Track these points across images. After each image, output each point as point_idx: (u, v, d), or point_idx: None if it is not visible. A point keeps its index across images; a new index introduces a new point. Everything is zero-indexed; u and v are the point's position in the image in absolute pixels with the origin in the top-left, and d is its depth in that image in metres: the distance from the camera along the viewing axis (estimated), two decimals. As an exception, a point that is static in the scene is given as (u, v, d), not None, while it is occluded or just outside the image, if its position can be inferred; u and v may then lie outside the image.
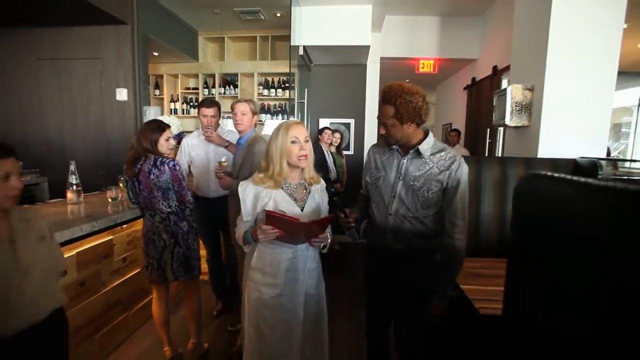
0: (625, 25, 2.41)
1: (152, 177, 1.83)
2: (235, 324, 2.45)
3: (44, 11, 3.00)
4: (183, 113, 4.87)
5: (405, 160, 1.51)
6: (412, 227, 1.52)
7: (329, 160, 3.91)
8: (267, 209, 1.36)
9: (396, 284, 1.58)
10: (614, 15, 2.38)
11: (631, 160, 3.99)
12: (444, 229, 1.49)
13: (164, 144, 1.91)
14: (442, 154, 1.49)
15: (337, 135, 4.18)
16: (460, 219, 1.47)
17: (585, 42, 2.40)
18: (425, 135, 1.51)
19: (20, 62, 3.35)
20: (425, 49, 4.64)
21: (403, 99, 1.39)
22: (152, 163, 1.85)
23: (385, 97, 1.44)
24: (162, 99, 4.92)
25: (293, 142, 1.40)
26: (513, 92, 2.64)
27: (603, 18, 2.38)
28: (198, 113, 2.48)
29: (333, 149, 4.14)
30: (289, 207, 1.41)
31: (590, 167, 2.26)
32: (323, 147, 3.91)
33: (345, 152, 4.57)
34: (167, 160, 1.88)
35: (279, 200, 1.41)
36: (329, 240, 1.48)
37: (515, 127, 2.73)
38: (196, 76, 4.80)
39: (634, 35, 4.30)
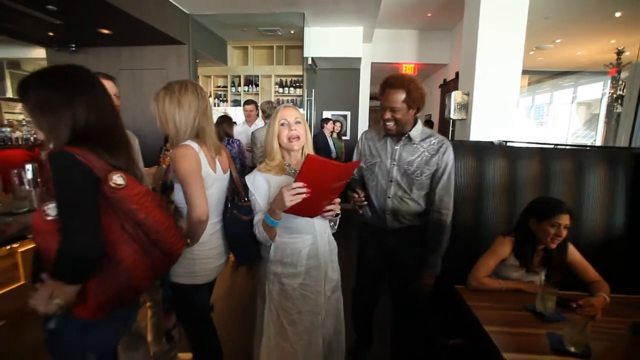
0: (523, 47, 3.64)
1: (228, 149, 3.14)
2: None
3: (126, 35, 4.23)
4: (214, 106, 6.11)
5: (398, 147, 1.60)
6: (408, 207, 1.60)
7: (331, 144, 5.18)
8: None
9: (393, 257, 1.67)
10: (517, 40, 3.60)
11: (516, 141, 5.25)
12: (433, 206, 1.59)
13: (233, 130, 3.21)
14: (431, 139, 1.59)
15: (338, 124, 5.45)
16: (448, 197, 1.57)
17: (500, 61, 3.64)
18: (415, 122, 1.60)
19: (107, 71, 4.57)
20: (406, 56, 5.87)
21: (415, 84, 1.48)
22: (226, 142, 3.14)
23: (397, 83, 1.49)
24: (198, 95, 6.17)
25: (282, 124, 1.33)
26: (456, 96, 3.91)
27: (510, 42, 3.61)
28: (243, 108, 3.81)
29: (335, 135, 5.42)
30: None
31: (498, 144, 3.54)
32: (326, 134, 5.18)
33: (344, 137, 5.86)
34: (236, 140, 3.17)
35: None
36: (339, 208, 1.37)
37: (459, 120, 4.00)
38: (225, 77, 6.03)
39: (585, 43, 5.54)
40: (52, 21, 3.46)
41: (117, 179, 0.94)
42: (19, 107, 4.60)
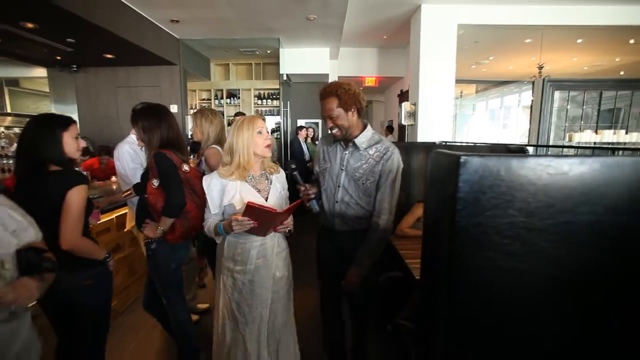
0: (455, 71, 4.60)
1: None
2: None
3: (124, 58, 4.87)
4: (199, 117, 6.77)
5: (346, 153, 1.62)
6: (355, 212, 1.62)
7: (305, 148, 5.99)
8: (234, 202, 1.42)
9: (343, 259, 1.66)
10: (450, 62, 4.54)
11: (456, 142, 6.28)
12: (374, 210, 1.60)
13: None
14: (378, 145, 1.59)
15: (310, 130, 6.28)
16: (387, 202, 1.57)
17: (437, 79, 4.57)
18: (364, 127, 1.62)
19: (107, 88, 5.21)
20: (368, 70, 6.80)
21: (343, 88, 1.52)
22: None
23: (327, 92, 1.54)
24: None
25: (259, 132, 1.45)
26: (406, 106, 4.82)
27: (444, 64, 4.54)
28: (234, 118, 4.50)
29: (309, 140, 6.23)
30: (255, 199, 1.45)
31: (439, 144, 4.47)
32: (300, 139, 5.98)
33: (317, 142, 6.70)
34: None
35: (245, 193, 1.45)
36: (292, 225, 1.51)
37: (409, 125, 4.92)
38: (209, 91, 6.72)
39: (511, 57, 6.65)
40: (65, 49, 4.07)
41: (185, 167, 1.70)
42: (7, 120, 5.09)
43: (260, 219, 1.34)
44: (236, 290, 1.51)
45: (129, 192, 1.99)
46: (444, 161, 1.14)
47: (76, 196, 1.33)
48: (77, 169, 1.60)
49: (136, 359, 2.16)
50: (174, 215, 1.62)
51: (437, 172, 1.22)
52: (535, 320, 1.10)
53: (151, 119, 1.69)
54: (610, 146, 4.12)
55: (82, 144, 1.52)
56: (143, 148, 2.05)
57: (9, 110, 5.68)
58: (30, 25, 3.23)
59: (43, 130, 1.37)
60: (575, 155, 1.23)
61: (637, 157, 1.15)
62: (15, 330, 0.95)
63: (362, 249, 1.59)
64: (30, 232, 1.01)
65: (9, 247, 0.90)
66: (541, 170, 1.05)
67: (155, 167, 1.61)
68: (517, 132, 10.23)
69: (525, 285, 1.11)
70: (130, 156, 2.20)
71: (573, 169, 1.03)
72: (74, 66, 5.03)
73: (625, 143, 4.27)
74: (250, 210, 1.29)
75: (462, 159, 1.04)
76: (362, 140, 1.58)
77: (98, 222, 2.32)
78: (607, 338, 1.10)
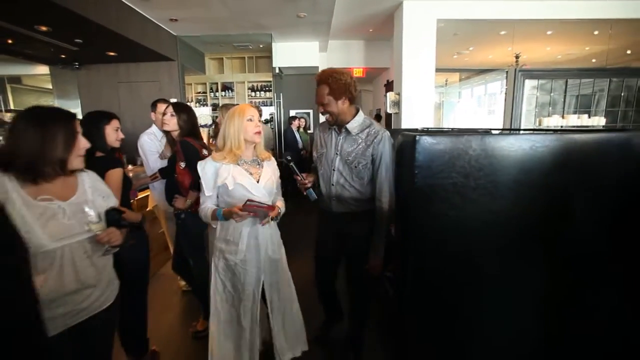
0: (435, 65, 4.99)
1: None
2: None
3: (125, 54, 5.14)
4: (195, 108, 7.06)
5: (340, 138, 1.70)
6: (350, 194, 1.71)
7: (298, 137, 6.36)
8: (227, 182, 1.52)
9: (340, 238, 1.79)
10: (430, 54, 4.92)
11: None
12: (375, 194, 1.68)
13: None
14: (368, 129, 1.68)
15: (302, 120, 6.64)
16: (386, 185, 1.65)
17: (419, 71, 4.97)
18: (356, 113, 1.70)
19: (109, 83, 5.49)
20: (356, 61, 7.15)
21: (334, 77, 1.59)
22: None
23: (320, 79, 1.62)
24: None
25: (250, 119, 1.54)
26: (390, 95, 5.22)
27: (425, 56, 4.94)
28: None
29: (302, 129, 6.60)
30: (247, 180, 1.55)
31: (421, 131, 4.89)
32: (293, 129, 6.34)
33: (309, 131, 7.07)
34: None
35: (237, 174, 1.54)
36: (282, 212, 1.64)
37: (394, 113, 5.32)
38: (204, 84, 7.01)
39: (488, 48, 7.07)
40: (71, 48, 4.35)
41: (205, 151, 2.08)
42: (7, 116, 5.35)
43: (257, 212, 1.49)
44: (229, 270, 1.60)
45: (155, 175, 2.36)
46: (407, 140, 1.61)
47: (112, 176, 1.69)
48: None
49: (160, 319, 2.56)
50: (199, 190, 2.01)
51: (403, 148, 1.69)
52: (476, 253, 1.59)
53: (187, 113, 2.07)
54: (556, 128, 4.59)
55: (121, 135, 1.89)
56: (161, 138, 2.43)
57: (12, 107, 5.92)
58: (44, 28, 3.51)
59: (90, 124, 1.74)
60: (498, 135, 1.67)
61: (557, 135, 1.64)
62: (106, 264, 1.35)
63: (374, 236, 1.70)
64: (112, 198, 1.39)
65: (101, 208, 1.29)
66: (474, 143, 1.53)
67: (181, 151, 1.99)
68: (502, 118, 10.71)
69: (464, 227, 1.57)
70: (148, 145, 2.57)
71: (494, 143, 1.51)
72: (76, 63, 5.29)
73: (587, 126, 4.75)
74: (249, 205, 1.44)
75: (417, 137, 1.52)
76: (353, 125, 1.68)
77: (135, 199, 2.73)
78: (521, 258, 1.58)
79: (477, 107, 11.05)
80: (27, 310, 0.71)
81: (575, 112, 4.92)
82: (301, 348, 1.84)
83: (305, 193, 1.71)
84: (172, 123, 2.05)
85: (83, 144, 1.25)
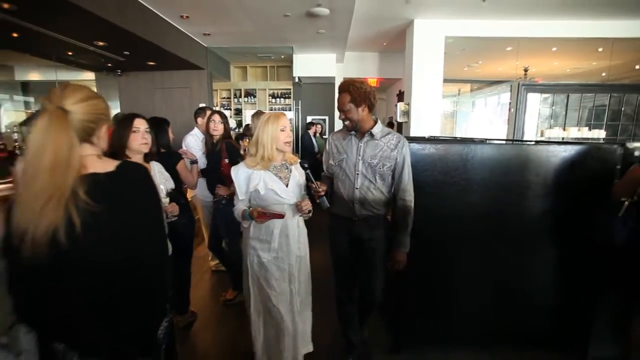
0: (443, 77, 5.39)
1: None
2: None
3: (162, 64, 5.73)
4: (220, 114, 7.65)
5: (362, 144, 1.80)
6: (374, 196, 1.81)
7: (314, 141, 6.84)
8: (259, 188, 1.63)
9: (361, 243, 1.85)
10: (438, 68, 5.34)
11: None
12: (398, 194, 1.81)
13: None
14: (390, 136, 1.82)
15: (319, 126, 7.13)
16: (409, 185, 1.80)
17: (428, 83, 5.38)
18: (375, 122, 1.82)
19: (145, 90, 6.11)
20: (371, 72, 7.61)
21: (355, 86, 1.72)
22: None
23: (342, 88, 1.76)
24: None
25: (282, 130, 1.65)
26: (400, 106, 5.65)
27: (433, 70, 5.34)
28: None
29: (318, 135, 7.09)
30: (277, 185, 1.66)
31: (428, 138, 5.30)
32: (310, 134, 6.83)
33: (324, 137, 7.56)
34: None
35: (268, 180, 1.65)
36: (310, 209, 1.74)
37: (404, 122, 5.74)
38: (229, 90, 7.59)
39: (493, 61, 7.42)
40: (118, 59, 4.96)
41: (242, 151, 2.57)
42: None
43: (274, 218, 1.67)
44: (263, 268, 1.70)
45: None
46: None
47: (180, 167, 2.22)
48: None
49: (194, 292, 2.91)
50: None
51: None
52: (452, 238, 2.07)
53: (227, 121, 2.58)
54: (539, 140, 4.90)
55: (172, 135, 2.42)
56: (202, 139, 2.93)
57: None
58: (101, 43, 4.11)
59: (158, 126, 2.25)
60: (471, 144, 2.12)
61: (516, 145, 2.15)
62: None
63: (399, 231, 1.81)
64: (171, 182, 1.90)
65: (164, 190, 1.79)
66: (453, 150, 2.01)
67: (226, 150, 2.49)
68: (506, 129, 10.92)
69: (442, 217, 2.02)
70: (193, 144, 3.08)
71: (467, 150, 1.98)
72: (119, 71, 5.92)
73: (588, 138, 5.05)
74: (262, 216, 1.62)
75: (410, 143, 1.98)
76: (377, 130, 1.79)
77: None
78: (488, 239, 2.04)
79: (494, 117, 11.31)
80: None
81: (576, 125, 5.24)
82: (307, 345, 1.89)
83: (318, 201, 1.77)
84: (220, 129, 2.54)
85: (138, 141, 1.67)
